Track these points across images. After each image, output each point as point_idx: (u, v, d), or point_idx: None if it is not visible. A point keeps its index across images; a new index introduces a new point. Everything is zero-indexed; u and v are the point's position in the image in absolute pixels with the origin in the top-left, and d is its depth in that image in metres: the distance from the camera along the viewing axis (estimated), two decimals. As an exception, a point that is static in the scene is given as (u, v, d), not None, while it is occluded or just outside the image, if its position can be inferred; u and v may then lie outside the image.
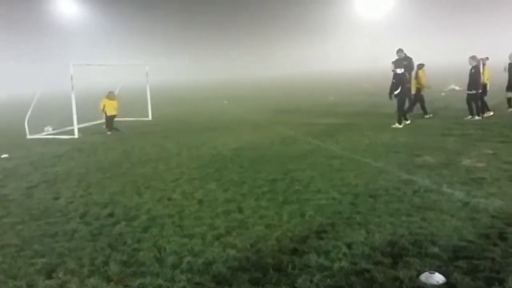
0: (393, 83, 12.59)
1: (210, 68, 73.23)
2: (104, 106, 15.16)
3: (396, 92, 12.52)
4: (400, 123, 12.44)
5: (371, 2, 69.73)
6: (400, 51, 15.93)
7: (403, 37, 54.77)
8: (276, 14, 74.04)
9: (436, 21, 63.30)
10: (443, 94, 20.07)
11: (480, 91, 12.67)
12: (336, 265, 4.46)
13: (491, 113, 13.15)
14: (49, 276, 4.66)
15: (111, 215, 6.45)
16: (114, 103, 15.37)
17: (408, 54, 15.92)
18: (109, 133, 15.27)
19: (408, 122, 12.66)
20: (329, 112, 16.93)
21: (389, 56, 15.98)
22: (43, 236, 5.75)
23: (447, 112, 14.46)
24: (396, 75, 12.51)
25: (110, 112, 15.25)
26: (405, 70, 15.64)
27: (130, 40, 69.54)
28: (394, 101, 15.52)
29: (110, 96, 15.55)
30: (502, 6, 58.21)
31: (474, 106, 12.74)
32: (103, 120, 15.69)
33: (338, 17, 70.29)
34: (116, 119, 15.59)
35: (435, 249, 4.67)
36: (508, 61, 13.36)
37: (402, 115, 12.60)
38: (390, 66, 12.65)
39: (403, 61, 15.72)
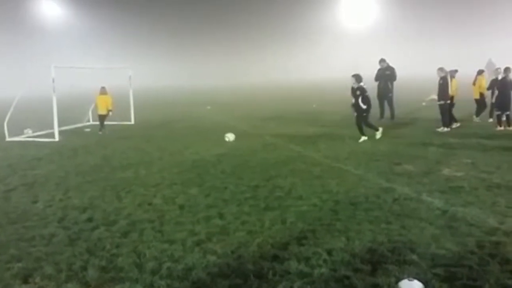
0: (364, 96, 11.75)
1: (193, 74, 73.01)
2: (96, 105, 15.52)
3: (364, 107, 11.78)
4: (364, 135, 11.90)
5: (355, 11, 70.55)
6: (382, 60, 16.18)
7: (386, 46, 55.46)
8: (261, 22, 74.28)
9: (419, 31, 64.31)
10: (423, 104, 20.37)
11: (448, 101, 12.83)
12: (316, 272, 4.49)
13: (458, 124, 13.33)
14: (25, 281, 4.59)
15: (90, 219, 6.37)
16: (105, 98, 15.65)
17: (391, 64, 16.17)
18: (100, 132, 15.42)
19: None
20: (311, 120, 17.03)
21: (373, 65, 16.20)
22: (20, 240, 5.65)
23: (427, 122, 14.67)
24: (362, 89, 11.71)
25: (101, 111, 15.58)
26: (387, 80, 15.89)
27: (113, 44, 68.95)
28: (375, 111, 15.74)
29: (102, 91, 15.75)
30: (488, 16, 59.47)
31: (446, 116, 12.90)
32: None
33: (322, 25, 70.76)
34: (98, 122, 15.47)
35: (414, 257, 4.72)
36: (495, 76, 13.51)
37: (361, 127, 11.99)
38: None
39: (386, 70, 15.98)
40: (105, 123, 15.89)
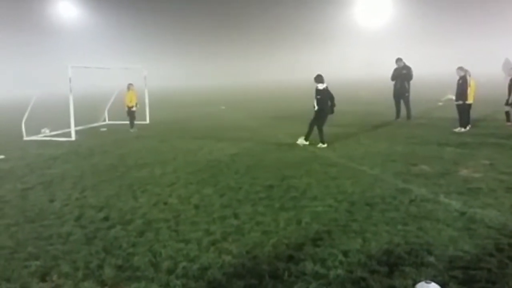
0: (317, 99, 11.51)
1: (207, 74, 73.40)
2: (130, 102, 16.12)
3: (315, 109, 11.55)
4: (323, 143, 11.46)
5: (371, 11, 70.13)
6: (399, 60, 16.01)
7: (402, 45, 55.05)
8: (274, 20, 74.33)
9: (436, 30, 63.71)
10: (440, 103, 20.15)
11: (467, 101, 12.67)
12: (332, 273, 4.45)
13: (469, 126, 13.02)
14: (43, 279, 4.63)
15: (106, 218, 6.43)
16: (133, 93, 16.29)
17: (407, 63, 16.00)
18: (131, 130, 15.97)
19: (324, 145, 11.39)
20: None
21: (388, 64, 16.05)
22: (38, 239, 5.72)
23: (444, 122, 14.49)
24: (318, 91, 11.47)
25: (131, 103, 16.21)
26: (404, 79, 15.73)
27: (127, 44, 69.64)
28: (391, 110, 15.63)
29: (131, 87, 16.35)
30: (501, 16, 58.70)
31: (464, 117, 12.75)
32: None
33: (338, 25, 70.62)
34: (114, 122, 15.62)
35: (431, 259, 4.66)
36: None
37: (308, 132, 11.68)
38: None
39: (402, 70, 15.82)
40: (119, 123, 16.04)
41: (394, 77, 15.98)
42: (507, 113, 13.27)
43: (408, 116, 15.77)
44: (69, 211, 6.86)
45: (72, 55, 53.28)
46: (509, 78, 13.35)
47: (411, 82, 15.93)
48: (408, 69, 15.78)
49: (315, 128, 11.58)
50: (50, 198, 7.63)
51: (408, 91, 15.80)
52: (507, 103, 13.20)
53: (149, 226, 6.03)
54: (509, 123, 13.16)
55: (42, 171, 9.89)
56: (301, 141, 11.74)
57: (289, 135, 13.43)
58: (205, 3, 75.20)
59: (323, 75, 11.68)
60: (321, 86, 11.51)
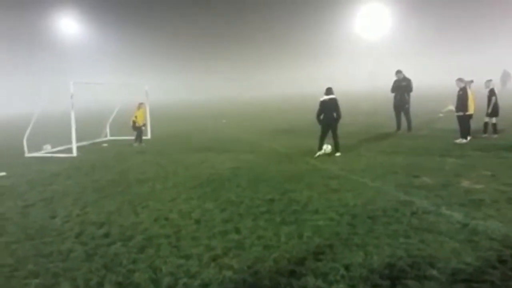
0: (319, 110, 11.89)
1: (208, 88, 73.73)
2: (136, 117, 16.34)
3: (321, 117, 11.91)
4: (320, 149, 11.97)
5: (371, 24, 70.56)
6: (399, 72, 16.07)
7: (403, 57, 55.31)
8: (276, 34, 74.82)
9: (436, 41, 64.08)
10: (440, 115, 20.15)
11: (467, 113, 12.70)
12: (334, 288, 4.42)
13: (470, 137, 12.99)
14: (42, 297, 4.60)
15: (106, 235, 6.40)
16: (143, 112, 16.89)
17: (407, 75, 16.05)
18: (135, 144, 16.22)
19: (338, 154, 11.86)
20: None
21: (390, 76, 16.10)
22: (38, 256, 5.70)
23: (445, 133, 14.48)
24: (320, 102, 11.89)
25: (141, 122, 16.62)
26: (403, 91, 15.77)
27: (128, 60, 70.08)
28: (392, 122, 15.64)
29: (142, 106, 16.91)
30: (501, 28, 59.03)
31: (464, 128, 12.76)
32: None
33: (338, 38, 71.05)
34: (115, 138, 15.72)
35: (434, 272, 4.63)
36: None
37: (321, 142, 12.09)
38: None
39: (402, 82, 15.86)
40: (120, 138, 16.11)
41: (394, 89, 16.02)
42: (485, 124, 13.53)
43: (409, 127, 15.77)
44: (69, 227, 6.84)
45: (73, 71, 53.66)
46: (487, 90, 13.33)
47: (411, 94, 15.96)
48: (407, 81, 15.82)
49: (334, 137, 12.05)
50: (51, 214, 7.61)
51: (408, 102, 15.82)
52: (487, 114, 13.37)
53: (150, 242, 6.01)
54: (485, 135, 13.42)
55: (43, 187, 9.89)
56: (318, 154, 11.93)
57: (290, 148, 13.43)
58: (205, 18, 75.82)
59: (332, 87, 12.04)
60: (324, 98, 11.82)
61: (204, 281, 4.74)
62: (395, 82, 16.04)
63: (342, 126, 14.93)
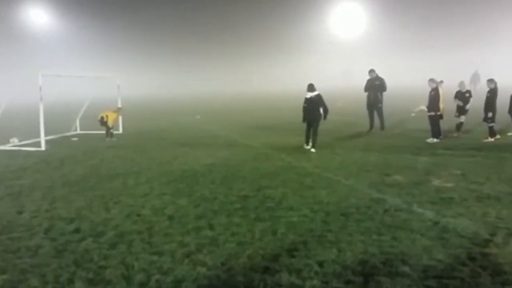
0: (304, 107, 12.25)
1: (182, 84, 73.21)
2: (107, 117, 15.99)
3: (306, 114, 12.30)
4: (313, 146, 12.23)
5: (345, 22, 71.22)
6: (372, 71, 16.25)
7: (377, 56, 56.09)
8: (252, 32, 74.73)
9: (409, 41, 65.16)
10: (413, 114, 20.50)
11: (439, 113, 12.98)
12: (308, 284, 4.43)
13: (441, 136, 13.28)
14: (9, 294, 4.45)
15: (77, 230, 6.25)
16: (115, 115, 16.52)
17: (380, 75, 16.25)
18: (108, 139, 15.89)
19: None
20: (301, 130, 17.00)
21: (363, 75, 16.27)
22: (5, 252, 5.52)
23: (416, 132, 14.75)
24: (305, 100, 12.25)
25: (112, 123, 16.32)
26: (377, 91, 15.97)
27: (100, 53, 68.77)
28: (365, 121, 15.84)
29: (118, 110, 16.87)
30: (479, 28, 60.46)
31: (435, 127, 13.03)
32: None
33: (313, 36, 71.41)
34: (85, 131, 15.41)
35: (406, 268, 4.69)
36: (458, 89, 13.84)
37: (308, 136, 12.48)
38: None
39: (375, 81, 16.05)
40: (90, 132, 15.84)
41: (367, 88, 16.20)
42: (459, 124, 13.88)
43: (382, 126, 15.99)
44: (38, 223, 6.64)
45: (42, 63, 52.31)
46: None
47: (385, 93, 16.17)
48: (380, 80, 16.02)
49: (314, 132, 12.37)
50: (19, 209, 7.38)
51: (381, 101, 16.02)
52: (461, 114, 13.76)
53: (122, 238, 5.89)
54: (456, 134, 13.84)
55: (10, 182, 9.59)
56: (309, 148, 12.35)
57: (266, 145, 13.43)
58: (181, 13, 75.13)
59: (313, 83, 12.33)
60: (308, 95, 12.12)
61: (177, 277, 4.67)
62: (368, 81, 16.22)
63: (317, 124, 14.95)
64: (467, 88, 14.01)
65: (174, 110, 31.85)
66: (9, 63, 58.94)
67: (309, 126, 12.42)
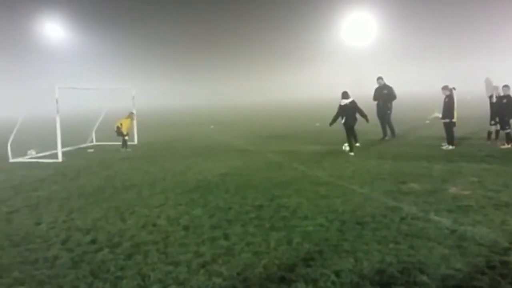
0: (337, 113, 13.04)
1: (196, 94, 73.71)
2: (121, 125, 16.19)
3: (342, 121, 12.95)
4: (351, 150, 12.89)
5: (356, 31, 71.28)
6: (380, 78, 16.17)
7: (389, 64, 55.94)
8: (263, 42, 75.15)
9: (420, 49, 64.99)
10: (427, 121, 20.37)
11: (454, 119, 12.84)
12: (325, 294, 4.39)
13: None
14: (27, 305, 4.49)
15: (93, 241, 6.29)
16: (128, 122, 16.62)
17: (389, 83, 16.12)
18: (122, 149, 16.08)
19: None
20: (314, 139, 17.01)
21: (374, 84, 16.21)
22: (23, 263, 5.57)
23: (431, 140, 14.62)
24: (341, 107, 12.93)
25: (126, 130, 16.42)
26: (386, 99, 15.86)
27: (115, 66, 69.69)
28: (377, 129, 15.75)
29: (130, 115, 16.88)
30: (487, 33, 60.13)
31: (451, 134, 12.89)
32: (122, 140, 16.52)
33: (325, 45, 71.62)
34: (101, 143, 15.57)
35: (424, 278, 4.63)
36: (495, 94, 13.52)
37: (350, 143, 13.04)
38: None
39: (383, 89, 15.94)
40: (107, 143, 15.97)
41: (376, 97, 16.08)
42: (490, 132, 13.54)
43: (393, 134, 15.88)
44: (55, 234, 6.71)
45: (58, 76, 53.15)
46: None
47: (396, 101, 16.06)
48: (389, 88, 15.88)
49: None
50: (36, 221, 7.47)
51: (390, 109, 15.89)
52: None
53: (138, 248, 5.92)
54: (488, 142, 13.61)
55: (28, 193, 9.71)
56: (345, 147, 13.20)
57: (278, 154, 13.42)
58: (195, 25, 75.91)
59: (347, 91, 13.15)
60: (343, 102, 12.89)
61: (193, 288, 4.68)
62: (377, 89, 16.11)
63: (330, 133, 14.98)
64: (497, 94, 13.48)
65: (188, 121, 32.04)
66: (25, 76, 60.04)
67: (348, 131, 12.97)
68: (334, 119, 13.08)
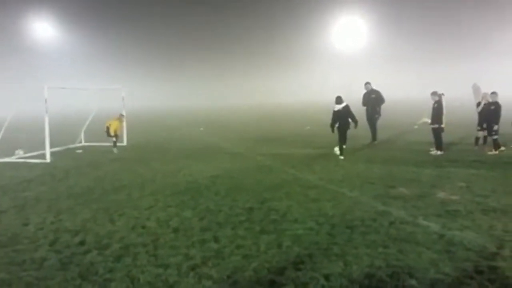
0: (333, 120, 13.13)
1: (185, 96, 73.59)
2: (110, 125, 16.13)
3: (336, 126, 13.09)
4: (341, 154, 13.02)
5: (347, 35, 71.66)
6: (367, 83, 16.29)
7: (378, 68, 56.36)
8: (254, 45, 75.32)
9: (410, 54, 65.58)
10: (415, 127, 20.53)
11: (442, 125, 12.94)
12: (314, 298, 4.40)
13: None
14: (14, 307, 4.44)
15: (82, 243, 6.25)
16: (117, 123, 16.50)
17: (376, 87, 16.22)
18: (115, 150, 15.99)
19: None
20: (305, 142, 17.05)
21: (362, 87, 16.32)
22: (10, 264, 5.52)
23: (420, 145, 14.73)
24: (335, 112, 13.03)
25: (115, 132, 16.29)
26: (374, 103, 15.97)
27: (106, 65, 69.33)
28: (367, 133, 15.85)
29: (120, 117, 16.82)
30: (476, 39, 60.83)
31: (439, 140, 12.99)
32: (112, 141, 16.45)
33: (316, 49, 71.93)
34: (90, 143, 15.46)
35: (413, 282, 4.67)
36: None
37: (341, 147, 13.15)
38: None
39: (371, 94, 16.06)
40: (96, 144, 15.87)
41: (365, 102, 16.20)
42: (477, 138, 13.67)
43: (374, 138, 15.98)
44: (43, 235, 6.65)
45: (48, 75, 52.71)
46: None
47: (385, 105, 16.17)
48: (376, 93, 16.01)
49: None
50: (24, 222, 7.39)
51: (378, 113, 16.02)
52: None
53: (127, 250, 5.89)
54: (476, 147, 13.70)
55: (15, 194, 9.61)
56: (335, 151, 13.31)
57: (269, 157, 13.44)
58: (188, 27, 75.83)
59: (341, 95, 13.21)
60: (336, 108, 12.99)
61: (183, 290, 4.66)
62: (365, 95, 16.23)
63: (320, 137, 15.01)
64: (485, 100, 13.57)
65: (178, 122, 31.94)
66: (14, 75, 59.48)
67: (341, 135, 13.09)
68: (332, 125, 13.17)
